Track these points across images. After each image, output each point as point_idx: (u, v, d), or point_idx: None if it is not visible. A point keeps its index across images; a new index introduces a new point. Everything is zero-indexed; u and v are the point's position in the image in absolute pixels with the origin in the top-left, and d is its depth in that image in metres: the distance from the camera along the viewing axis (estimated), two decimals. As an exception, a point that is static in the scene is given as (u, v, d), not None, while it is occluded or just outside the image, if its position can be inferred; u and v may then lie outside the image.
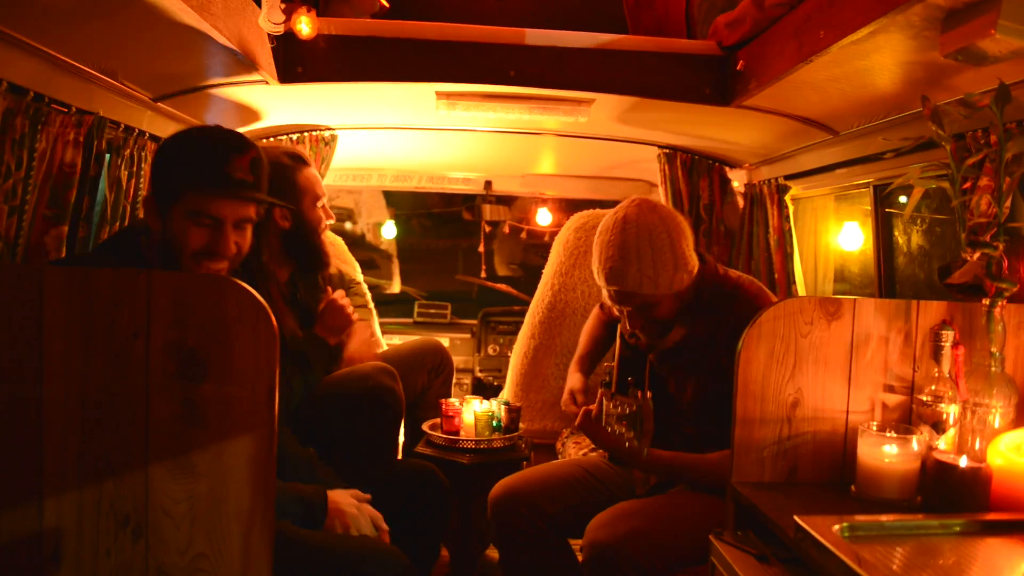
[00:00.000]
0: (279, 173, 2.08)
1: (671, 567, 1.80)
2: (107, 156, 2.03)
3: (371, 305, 3.38)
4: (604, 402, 2.04)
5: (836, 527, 1.22)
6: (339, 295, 2.31)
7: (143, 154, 2.23)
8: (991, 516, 1.30)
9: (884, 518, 1.30)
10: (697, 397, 2.02)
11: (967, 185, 1.61)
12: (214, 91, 2.25)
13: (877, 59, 1.69)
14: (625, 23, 2.97)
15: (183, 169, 1.60)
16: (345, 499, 1.81)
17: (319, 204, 2.26)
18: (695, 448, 1.98)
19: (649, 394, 1.98)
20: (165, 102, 2.23)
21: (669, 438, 2.03)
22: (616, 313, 2.11)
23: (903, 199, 2.61)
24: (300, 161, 2.24)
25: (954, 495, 1.38)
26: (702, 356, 1.99)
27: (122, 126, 2.11)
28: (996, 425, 1.45)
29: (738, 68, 2.18)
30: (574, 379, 2.38)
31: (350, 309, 2.29)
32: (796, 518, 1.24)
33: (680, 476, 2.03)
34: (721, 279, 2.05)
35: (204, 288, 1.23)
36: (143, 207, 1.63)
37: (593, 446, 2.79)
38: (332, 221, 2.35)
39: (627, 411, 1.96)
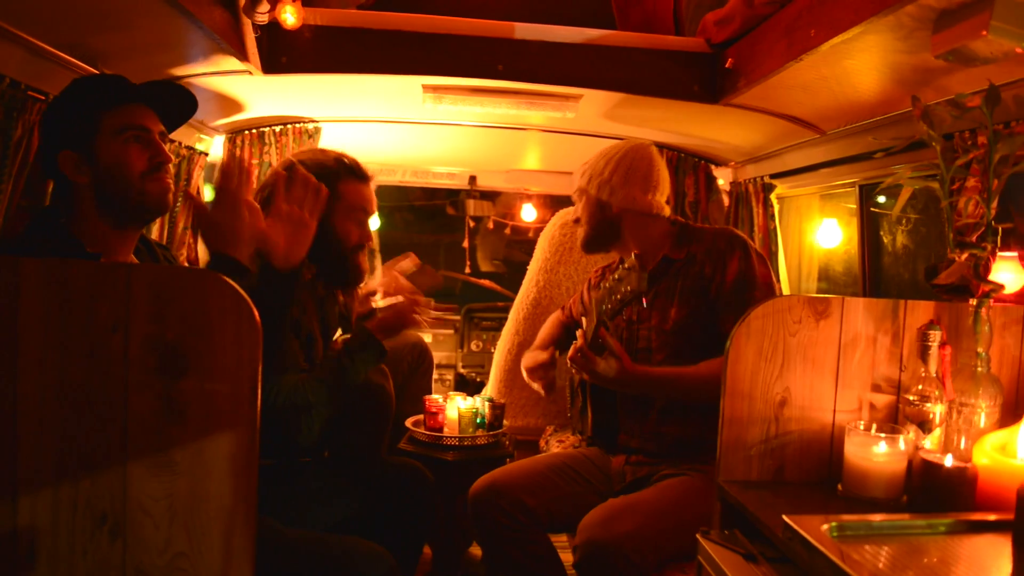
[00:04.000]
0: (321, 173, 1.88)
1: (663, 562, 1.81)
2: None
3: None
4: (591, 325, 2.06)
5: (825, 527, 1.21)
6: (410, 294, 2.08)
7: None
8: (976, 516, 1.31)
9: (872, 518, 1.29)
10: (680, 317, 2.10)
11: (955, 186, 1.62)
12: (196, 80, 2.21)
13: (867, 59, 1.70)
14: (614, 19, 2.96)
15: (91, 94, 1.57)
16: None
17: (356, 219, 2.02)
18: None
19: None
20: (146, 91, 2.19)
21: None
22: (584, 227, 2.24)
23: (882, 199, 2.63)
24: (351, 171, 2.00)
25: (940, 494, 1.38)
26: (685, 274, 2.13)
27: (101, 115, 2.07)
28: (982, 425, 1.46)
29: (727, 66, 2.18)
30: (535, 355, 2.48)
31: (417, 314, 2.04)
32: (785, 518, 1.24)
33: (670, 390, 2.06)
34: (698, 227, 2.22)
35: (185, 281, 1.20)
36: (65, 169, 1.53)
37: (576, 442, 2.79)
38: (369, 245, 2.08)
39: (624, 266, 1.90)
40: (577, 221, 2.28)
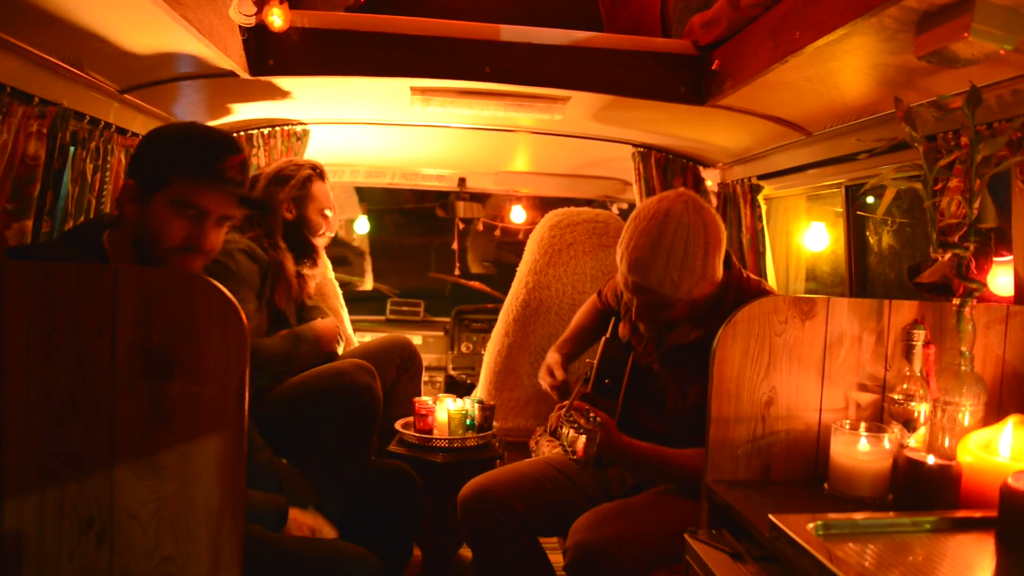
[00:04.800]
0: (303, 177, 2.56)
1: (652, 567, 1.81)
2: (72, 149, 1.98)
3: (341, 301, 3.37)
4: (564, 412, 2.02)
5: (810, 525, 1.22)
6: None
7: (109, 147, 2.18)
8: (960, 513, 1.32)
9: (857, 516, 1.30)
10: (701, 401, 1.83)
11: (938, 186, 1.63)
12: (183, 83, 2.21)
13: (851, 60, 1.71)
14: (601, 21, 2.96)
15: (177, 155, 1.56)
16: (304, 517, 1.80)
17: (321, 211, 2.60)
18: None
19: (599, 419, 1.92)
20: (132, 94, 2.18)
21: (642, 440, 2.02)
22: (624, 300, 2.05)
23: (871, 200, 2.65)
24: (320, 175, 2.63)
25: (925, 492, 1.39)
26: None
27: (87, 118, 2.06)
28: (966, 423, 1.47)
29: (713, 68, 2.19)
30: (552, 356, 2.38)
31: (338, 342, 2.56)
32: (771, 517, 1.24)
33: (652, 470, 2.01)
34: (745, 284, 1.99)
35: (172, 285, 1.20)
36: (122, 194, 1.56)
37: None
38: (332, 233, 2.68)
39: (580, 432, 1.92)
40: (652, 323, 1.98)
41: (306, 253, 2.59)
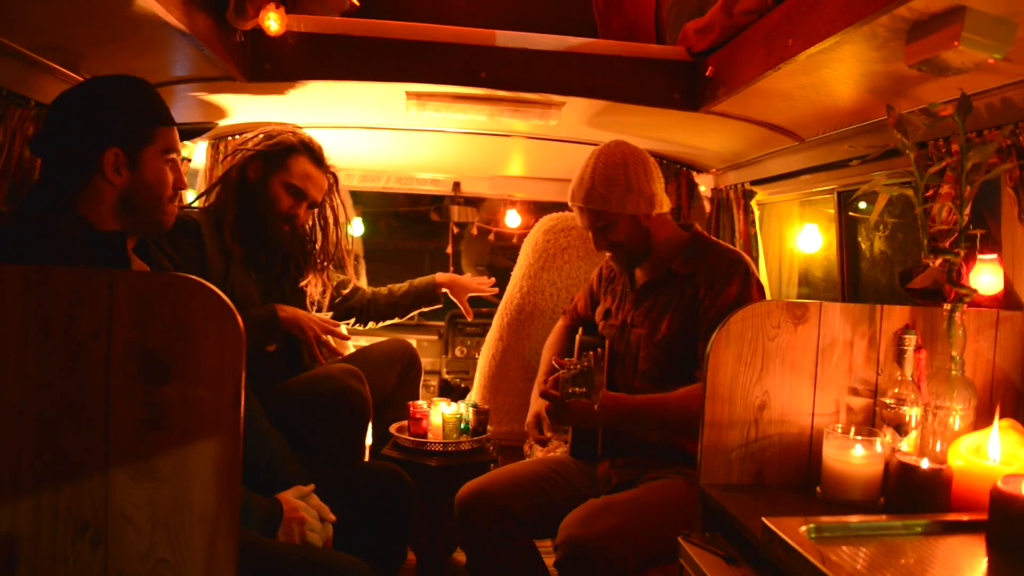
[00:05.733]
0: (282, 143, 2.31)
1: (644, 563, 1.82)
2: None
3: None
4: (560, 377, 2.04)
5: (803, 528, 1.23)
6: (327, 319, 2.40)
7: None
8: (951, 516, 1.33)
9: (850, 519, 1.31)
10: (671, 333, 2.11)
11: (929, 193, 1.65)
12: (178, 87, 2.21)
13: (844, 68, 1.73)
14: (596, 27, 2.98)
15: (153, 107, 1.59)
16: (297, 502, 1.78)
17: (291, 190, 2.31)
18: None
19: (600, 351, 2.03)
20: (128, 97, 2.18)
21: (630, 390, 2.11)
22: (590, 236, 2.21)
23: (863, 205, 2.67)
24: (307, 150, 2.35)
25: (916, 496, 1.40)
26: (682, 291, 2.12)
27: (83, 121, 2.06)
28: (956, 427, 1.48)
29: (707, 74, 2.21)
30: (538, 403, 2.35)
31: (316, 329, 2.34)
32: (764, 520, 1.25)
33: (648, 419, 2.03)
34: (721, 249, 2.19)
35: (168, 287, 1.20)
36: (106, 167, 1.51)
37: (559, 446, 2.80)
38: (301, 219, 2.37)
39: (580, 367, 1.94)
40: (610, 247, 2.20)
41: (255, 230, 2.29)
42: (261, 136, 2.38)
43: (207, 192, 2.43)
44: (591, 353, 1.96)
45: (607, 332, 2.31)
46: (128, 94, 1.60)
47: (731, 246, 2.25)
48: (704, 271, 2.10)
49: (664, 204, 2.18)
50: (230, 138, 2.98)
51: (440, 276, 3.04)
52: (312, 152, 2.37)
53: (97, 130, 1.54)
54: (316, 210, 2.49)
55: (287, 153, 2.32)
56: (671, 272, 2.17)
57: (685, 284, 2.13)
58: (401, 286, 3.00)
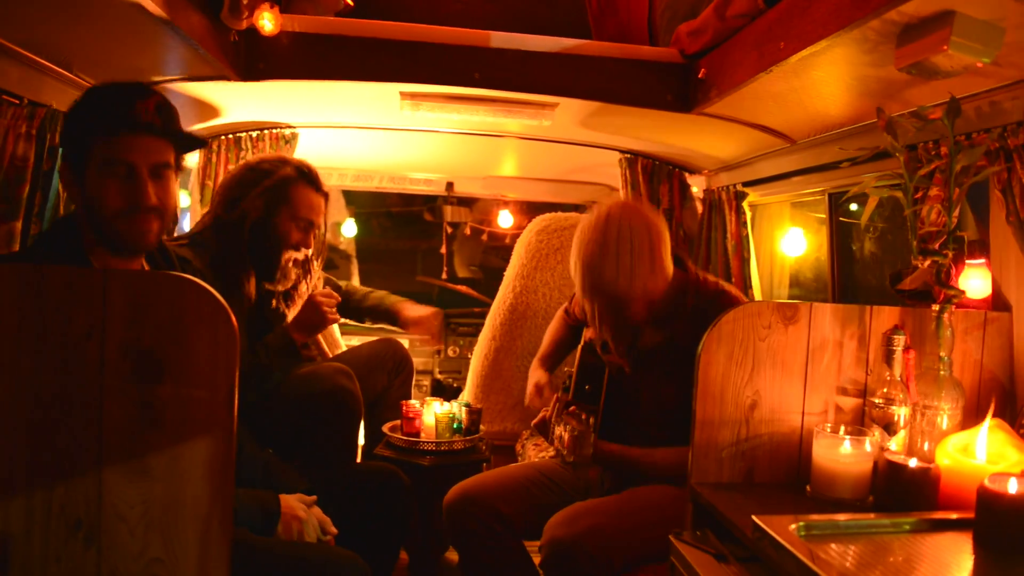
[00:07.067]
0: (282, 175, 2.25)
1: (630, 564, 1.82)
2: (60, 150, 1.97)
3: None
4: (554, 418, 2.07)
5: (793, 526, 1.24)
6: (321, 292, 2.34)
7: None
8: (939, 515, 1.34)
9: (838, 517, 1.33)
10: (678, 401, 1.89)
11: (918, 195, 1.66)
12: (172, 86, 2.21)
13: (834, 71, 1.74)
14: (589, 29, 2.99)
15: (88, 117, 1.49)
16: (296, 503, 1.79)
17: (297, 220, 2.26)
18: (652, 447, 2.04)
19: (592, 420, 2.05)
20: (121, 96, 2.17)
21: (627, 441, 2.07)
22: (587, 310, 2.08)
23: (854, 206, 2.69)
24: (306, 178, 2.29)
25: (904, 494, 1.42)
26: (685, 360, 1.90)
27: (76, 119, 2.05)
28: (944, 427, 1.50)
29: (700, 76, 2.22)
30: (538, 374, 2.41)
31: (329, 308, 2.30)
32: (754, 518, 1.26)
33: (637, 470, 2.05)
34: (703, 286, 2.06)
35: (162, 287, 1.20)
36: (62, 182, 1.49)
37: (550, 448, 2.81)
38: (308, 250, 2.31)
39: (574, 433, 2.00)
40: (614, 326, 2.04)
41: (267, 268, 2.25)
42: (251, 173, 2.27)
43: (198, 233, 2.27)
44: (586, 418, 2.02)
45: (607, 363, 2.19)
46: (77, 104, 1.53)
47: (725, 285, 2.12)
48: (689, 326, 1.92)
49: (668, 267, 2.01)
50: (224, 137, 2.98)
51: (410, 312, 2.84)
52: (310, 178, 2.30)
53: (59, 144, 1.53)
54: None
55: (287, 185, 2.25)
56: (674, 343, 2.01)
57: (688, 350, 1.88)
58: (375, 296, 2.89)
